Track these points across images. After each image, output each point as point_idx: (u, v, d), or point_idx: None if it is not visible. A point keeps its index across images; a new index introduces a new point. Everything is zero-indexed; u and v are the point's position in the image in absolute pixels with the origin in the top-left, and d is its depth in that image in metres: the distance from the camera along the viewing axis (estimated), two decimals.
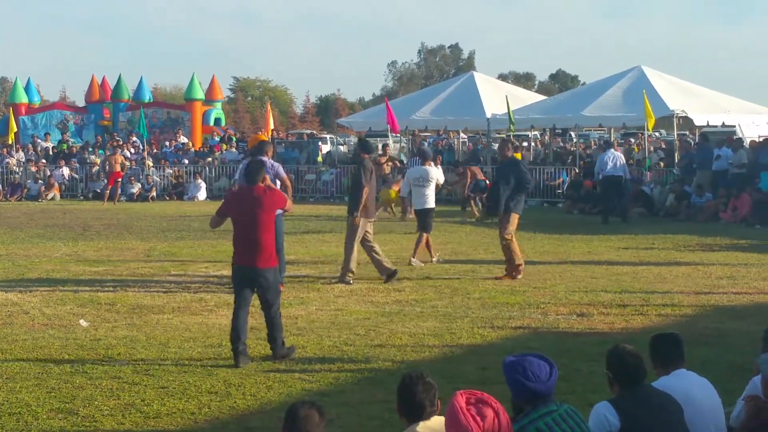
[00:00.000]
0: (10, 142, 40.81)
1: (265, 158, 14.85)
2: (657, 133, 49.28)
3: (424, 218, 18.24)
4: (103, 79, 46.86)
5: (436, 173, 19.00)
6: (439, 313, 13.26)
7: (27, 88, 46.19)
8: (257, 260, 10.51)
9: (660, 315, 13.02)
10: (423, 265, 17.75)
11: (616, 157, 27.27)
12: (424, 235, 18.08)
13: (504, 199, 16.17)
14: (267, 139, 17.91)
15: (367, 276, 16.36)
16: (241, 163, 16.11)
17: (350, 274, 15.85)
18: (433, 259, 18.21)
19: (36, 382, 9.67)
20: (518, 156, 17.43)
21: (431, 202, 18.42)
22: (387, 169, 31.23)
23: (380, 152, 33.71)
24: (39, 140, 42.45)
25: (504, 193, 16.19)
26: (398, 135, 40.87)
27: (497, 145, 19.24)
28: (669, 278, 16.17)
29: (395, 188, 26.08)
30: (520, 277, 16.08)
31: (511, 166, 16.58)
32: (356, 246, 15.96)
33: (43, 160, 39.95)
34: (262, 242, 10.51)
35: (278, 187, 14.17)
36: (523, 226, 24.63)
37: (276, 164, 15.78)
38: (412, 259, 17.88)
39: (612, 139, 37.19)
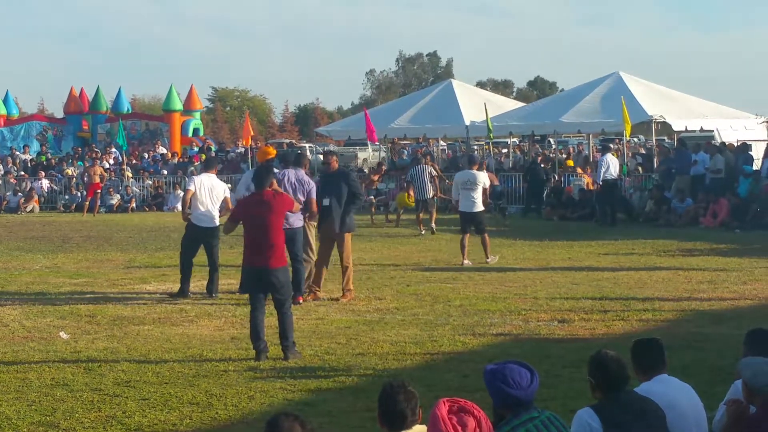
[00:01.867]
0: None
1: (301, 173, 14.77)
2: (635, 139, 49.45)
3: (478, 222, 19.00)
4: (82, 90, 46.79)
5: (483, 177, 19.52)
6: (420, 320, 13.25)
7: (5, 100, 46.07)
8: (269, 261, 11.07)
9: (641, 320, 13.04)
10: (496, 259, 19.00)
11: (614, 162, 27.42)
12: (485, 235, 19.03)
13: (341, 216, 15.00)
14: (275, 152, 17.40)
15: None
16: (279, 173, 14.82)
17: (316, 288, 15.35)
18: (464, 262, 18.85)
19: (16, 395, 9.60)
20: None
21: (479, 206, 19.03)
22: (375, 183, 31.59)
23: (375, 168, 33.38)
24: (17, 152, 42.30)
25: (337, 209, 14.96)
26: (377, 144, 40.94)
27: (321, 156, 18.21)
28: (649, 283, 16.21)
29: (411, 192, 26.27)
30: (344, 301, 14.83)
31: (342, 177, 15.37)
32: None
33: (23, 172, 39.79)
34: (273, 244, 11.10)
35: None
36: (504, 233, 24.75)
37: (311, 182, 15.00)
38: (487, 259, 18.91)
39: (591, 145, 37.33)
